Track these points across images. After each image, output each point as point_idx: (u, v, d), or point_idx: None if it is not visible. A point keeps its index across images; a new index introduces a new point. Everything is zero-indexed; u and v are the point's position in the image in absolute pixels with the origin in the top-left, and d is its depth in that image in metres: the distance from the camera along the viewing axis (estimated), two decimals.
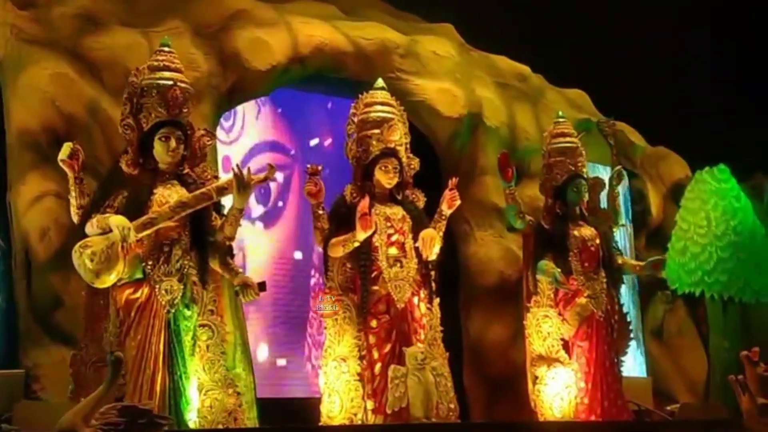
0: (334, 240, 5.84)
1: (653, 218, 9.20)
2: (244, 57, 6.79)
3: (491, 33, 8.54)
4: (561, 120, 7.09)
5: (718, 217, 6.79)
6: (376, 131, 5.96)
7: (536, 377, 6.56)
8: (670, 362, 8.98)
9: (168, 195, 5.11)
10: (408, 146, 6.17)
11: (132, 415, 3.50)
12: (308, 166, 5.91)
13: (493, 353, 7.56)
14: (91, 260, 4.79)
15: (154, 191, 5.10)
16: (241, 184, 5.14)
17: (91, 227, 4.94)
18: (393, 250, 5.89)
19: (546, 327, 6.61)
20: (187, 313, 5.07)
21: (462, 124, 7.81)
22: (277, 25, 7.08)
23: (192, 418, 4.98)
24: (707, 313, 8.91)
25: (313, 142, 7.85)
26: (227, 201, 5.30)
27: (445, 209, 6.08)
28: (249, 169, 5.25)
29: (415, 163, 6.19)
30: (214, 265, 5.25)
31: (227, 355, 5.44)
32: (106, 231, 4.87)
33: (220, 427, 5.05)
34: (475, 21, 8.52)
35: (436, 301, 6.00)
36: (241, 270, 5.36)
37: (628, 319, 7.11)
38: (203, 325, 5.15)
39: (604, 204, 7.29)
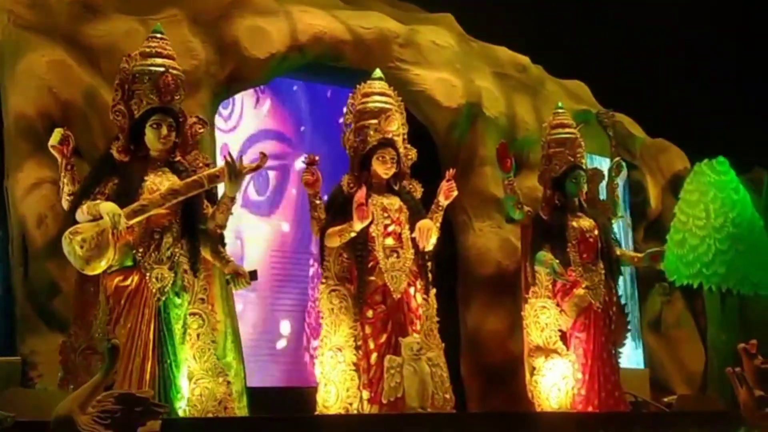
0: (330, 230, 5.84)
1: (652, 210, 9.18)
2: (243, 45, 6.75)
3: (491, 23, 8.49)
4: (560, 111, 7.09)
5: (717, 209, 6.78)
6: (374, 121, 5.96)
7: (533, 368, 6.58)
8: (668, 354, 8.97)
9: (159, 182, 5.09)
10: (405, 137, 6.17)
11: (129, 402, 3.47)
12: (305, 155, 5.91)
13: (490, 344, 7.55)
14: (81, 247, 4.78)
15: (145, 178, 5.08)
16: (233, 172, 5.12)
17: (81, 214, 4.93)
18: (390, 241, 5.90)
19: (544, 318, 6.62)
20: (178, 301, 5.06)
21: (461, 114, 7.78)
22: (277, 14, 7.04)
23: (182, 407, 4.97)
24: (705, 305, 8.90)
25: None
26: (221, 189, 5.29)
27: (442, 200, 6.08)
28: (241, 157, 5.23)
29: (413, 153, 6.19)
30: (206, 253, 5.24)
31: (218, 344, 5.45)
32: (96, 218, 4.86)
33: (210, 416, 5.04)
34: (474, 11, 8.48)
35: (433, 291, 6.01)
36: (232, 259, 5.35)
37: (626, 311, 7.13)
38: (194, 314, 5.14)
39: (603, 195, 7.29)
